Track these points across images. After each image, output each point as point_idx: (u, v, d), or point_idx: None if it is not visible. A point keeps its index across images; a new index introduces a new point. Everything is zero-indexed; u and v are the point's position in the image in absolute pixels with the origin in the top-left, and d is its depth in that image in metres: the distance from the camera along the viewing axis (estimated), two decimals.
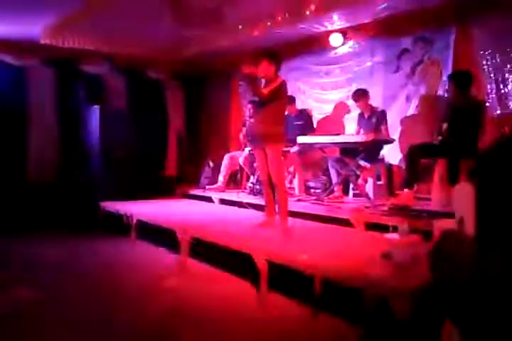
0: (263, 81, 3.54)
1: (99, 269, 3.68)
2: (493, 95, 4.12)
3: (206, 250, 3.75)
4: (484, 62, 4.17)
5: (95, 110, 6.22)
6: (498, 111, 4.06)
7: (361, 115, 4.84)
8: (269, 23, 4.84)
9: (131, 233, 4.84)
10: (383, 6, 4.41)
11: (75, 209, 5.69)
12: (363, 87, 4.97)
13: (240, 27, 5.13)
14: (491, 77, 4.13)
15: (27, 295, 2.99)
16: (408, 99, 4.88)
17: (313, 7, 4.50)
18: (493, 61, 4.11)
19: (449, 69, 4.42)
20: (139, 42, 5.89)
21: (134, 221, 4.81)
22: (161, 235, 4.32)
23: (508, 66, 4.01)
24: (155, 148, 6.98)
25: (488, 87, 4.15)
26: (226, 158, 5.97)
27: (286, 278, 2.92)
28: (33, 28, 5.25)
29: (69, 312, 2.72)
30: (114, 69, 6.76)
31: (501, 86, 4.07)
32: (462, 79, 3.91)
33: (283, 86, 3.62)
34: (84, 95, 6.53)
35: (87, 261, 3.93)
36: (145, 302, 2.89)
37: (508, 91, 4.03)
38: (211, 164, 6.44)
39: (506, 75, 4.03)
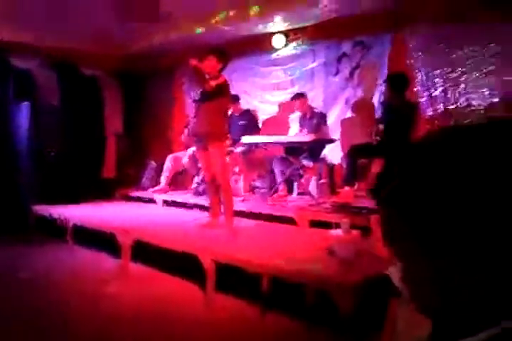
0: (207, 76, 3.50)
1: (34, 276, 3.44)
2: (425, 98, 4.38)
3: (150, 253, 3.63)
4: (416, 68, 4.42)
5: (25, 107, 5.82)
6: (430, 113, 4.31)
7: (303, 116, 4.96)
8: (213, 21, 4.80)
9: (68, 238, 4.58)
10: (325, 9, 4.53)
11: (5, 213, 5.28)
12: (305, 88, 5.09)
13: (184, 22, 5.06)
14: (422, 81, 4.39)
15: None
16: (347, 101, 5.05)
17: (256, 7, 4.55)
18: (424, 67, 4.37)
19: (385, 74, 4.64)
20: (74, 35, 5.60)
21: (70, 225, 4.56)
22: (100, 239, 4.13)
23: (438, 71, 4.28)
24: (91, 148, 6.65)
25: (420, 90, 4.41)
26: (169, 158, 5.84)
27: (232, 278, 2.90)
28: None
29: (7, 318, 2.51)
30: (45, 64, 6.37)
31: (432, 89, 4.34)
32: (398, 82, 4.12)
33: (227, 84, 3.62)
34: (12, 91, 6.09)
35: (20, 268, 3.66)
36: (84, 309, 2.75)
37: (438, 94, 4.31)
38: (153, 164, 6.27)
39: (436, 80, 4.31)
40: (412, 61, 4.42)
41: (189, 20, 4.99)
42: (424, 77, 4.36)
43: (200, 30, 4.97)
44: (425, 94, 4.37)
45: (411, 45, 4.42)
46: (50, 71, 6.42)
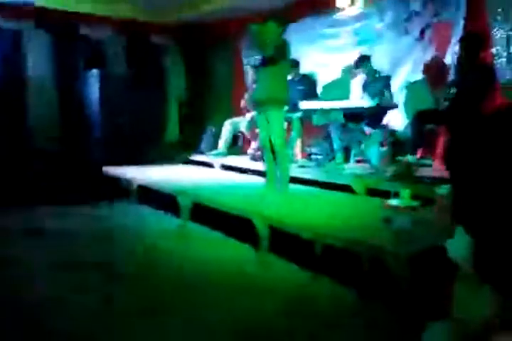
0: (267, 41, 3.43)
1: (99, 232, 3.71)
2: (504, 59, 3.98)
3: (207, 214, 3.76)
4: (495, 25, 4.00)
5: (95, 74, 6.07)
6: (508, 76, 3.93)
7: (366, 80, 4.72)
8: None
9: (132, 197, 4.85)
10: None
11: (77, 174, 5.68)
12: (370, 50, 4.81)
13: None
14: (502, 40, 3.97)
15: None
16: (415, 63, 4.73)
17: None
18: (505, 23, 3.94)
19: (460, 32, 4.25)
20: (138, 4, 5.67)
21: (135, 186, 4.82)
22: (162, 200, 4.33)
23: None
24: (156, 113, 6.88)
25: (500, 50, 4.00)
26: (227, 123, 5.89)
27: (286, 243, 2.94)
28: None
29: (68, 272, 2.76)
30: (113, 33, 6.55)
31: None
32: (473, 42, 3.77)
33: (287, 47, 3.52)
34: (83, 59, 6.36)
35: (87, 226, 3.96)
36: (144, 264, 2.93)
37: None
38: (213, 130, 6.38)
39: None
40: (491, 18, 3.99)
41: None
42: (505, 36, 3.94)
43: None
44: (504, 54, 3.96)
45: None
46: (118, 40, 6.61)
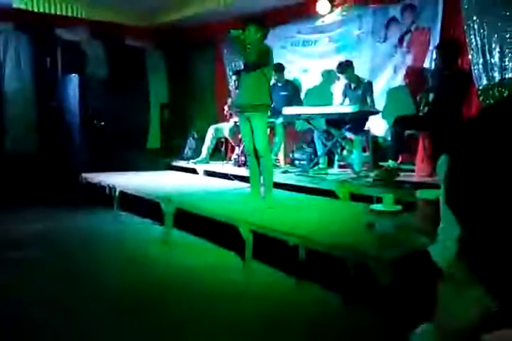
0: (248, 46, 3.44)
1: (81, 241, 3.65)
2: (480, 66, 4.08)
3: (191, 221, 3.74)
4: (471, 32, 4.11)
5: (74, 78, 6.00)
6: (484, 82, 4.03)
7: (347, 86, 4.79)
8: None
9: (114, 205, 4.78)
10: None
11: (55, 180, 5.58)
12: (350, 56, 4.88)
13: None
14: (477, 46, 4.08)
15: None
16: (395, 69, 4.82)
17: None
18: (480, 31, 4.05)
19: (437, 38, 4.36)
20: (117, 7, 5.65)
21: (117, 192, 4.75)
22: (145, 207, 4.29)
23: (496, 36, 3.95)
24: (137, 119, 6.80)
25: (475, 56, 4.10)
26: (211, 129, 5.88)
27: (270, 249, 2.94)
28: None
29: (46, 281, 2.71)
30: (93, 36, 6.50)
31: (488, 56, 4.03)
32: (450, 49, 3.86)
33: (270, 52, 3.54)
34: (62, 63, 6.28)
35: (68, 234, 3.89)
36: (128, 272, 2.89)
37: (494, 61, 4.00)
38: (195, 135, 6.35)
39: (493, 45, 3.99)
40: (467, 25, 4.10)
41: None
42: (480, 43, 4.05)
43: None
44: (480, 61, 4.07)
45: (466, 6, 4.09)
46: (98, 43, 6.55)
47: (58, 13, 5.63)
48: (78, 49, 6.45)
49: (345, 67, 4.63)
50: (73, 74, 6.00)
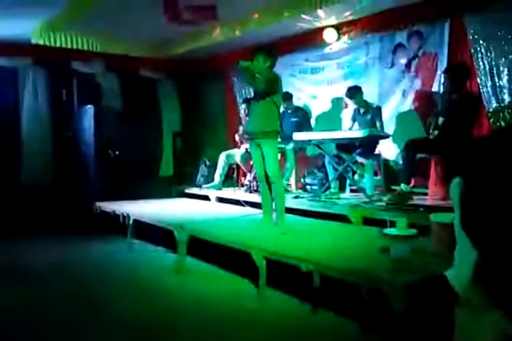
0: (257, 76, 3.51)
1: (95, 270, 3.65)
2: (488, 88, 4.11)
3: (204, 248, 3.72)
4: (479, 55, 4.16)
5: (89, 110, 6.18)
6: (494, 104, 4.04)
7: (356, 111, 4.84)
8: (260, 20, 4.82)
9: (128, 233, 4.80)
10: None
11: (70, 210, 5.65)
12: (358, 82, 4.96)
13: (232, 24, 5.12)
14: (485, 70, 4.12)
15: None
16: (404, 94, 4.87)
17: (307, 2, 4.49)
18: (488, 54, 4.10)
19: (445, 63, 4.41)
20: (131, 40, 5.87)
21: (131, 221, 4.78)
22: (159, 234, 4.30)
23: (503, 59, 4.00)
24: (150, 147, 6.93)
25: (483, 80, 4.14)
26: (222, 156, 5.94)
27: (284, 275, 2.90)
28: (24, 28, 5.21)
29: (62, 310, 2.70)
30: (108, 69, 6.73)
31: (496, 79, 4.06)
32: (458, 73, 3.90)
33: (279, 81, 3.61)
34: (77, 95, 6.49)
35: (82, 263, 3.90)
36: (141, 301, 2.87)
37: (503, 84, 4.02)
38: (207, 162, 6.42)
39: (501, 68, 4.02)
40: (474, 49, 4.16)
41: (236, 21, 5.05)
42: (488, 66, 4.09)
43: (244, 30, 5.01)
44: (489, 84, 4.10)
45: (472, 31, 4.16)
46: (112, 76, 6.78)
47: (74, 47, 5.87)
48: (93, 81, 6.67)
49: (354, 92, 4.69)
50: (88, 106, 6.19)
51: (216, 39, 5.52)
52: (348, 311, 2.47)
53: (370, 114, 4.63)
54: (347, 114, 5.31)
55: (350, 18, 5.09)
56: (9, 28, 5.26)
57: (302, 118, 5.41)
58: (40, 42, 5.58)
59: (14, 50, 5.94)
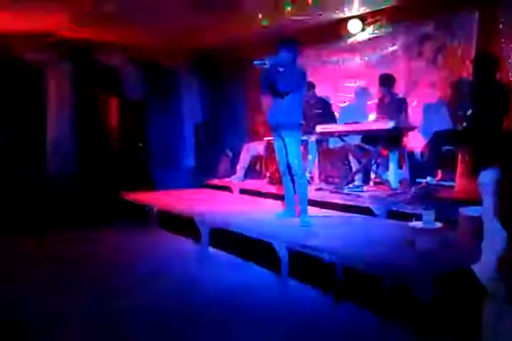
0: (281, 69, 3.48)
1: (118, 260, 3.72)
2: None
3: (226, 239, 3.76)
4: (509, 46, 4.02)
5: (112, 101, 6.28)
6: None
7: (381, 101, 4.75)
8: (286, 10, 4.77)
9: (153, 223, 4.89)
10: None
11: (96, 200, 5.76)
12: (384, 73, 4.87)
13: (255, 15, 5.09)
14: None
15: None
16: (431, 85, 4.76)
17: None
18: None
19: (472, 54, 4.29)
20: (154, 32, 5.89)
21: (155, 211, 4.87)
22: (182, 224, 4.36)
23: None
24: (173, 138, 7.01)
25: None
26: (245, 147, 5.96)
27: (307, 266, 2.91)
28: (50, 20, 5.30)
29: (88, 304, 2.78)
30: (129, 60, 6.79)
31: None
32: (487, 62, 3.79)
33: (303, 75, 3.58)
34: (100, 87, 6.58)
35: (106, 251, 3.99)
36: (164, 291, 2.92)
37: None
38: (230, 154, 6.45)
39: None
40: (504, 39, 4.03)
41: (264, 12, 5.01)
42: None
43: (268, 21, 4.97)
44: None
45: (502, 21, 4.02)
46: (134, 67, 6.85)
47: (97, 39, 5.95)
48: (116, 73, 6.75)
49: (387, 80, 4.57)
50: (112, 97, 6.29)
51: (239, 30, 5.50)
52: (370, 304, 2.46)
53: (394, 104, 4.56)
54: (370, 106, 5.23)
55: (376, 8, 4.98)
56: (34, 22, 5.35)
57: (325, 110, 5.36)
58: (65, 35, 5.69)
59: (39, 43, 6.05)
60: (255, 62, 3.44)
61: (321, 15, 5.10)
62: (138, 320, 2.45)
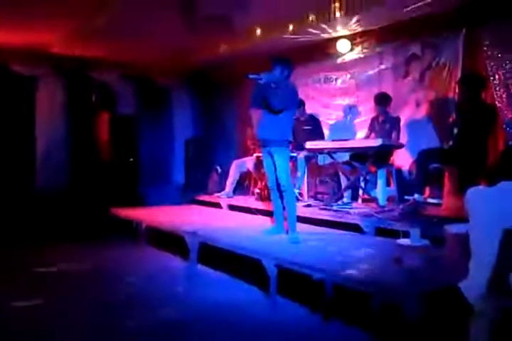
0: (273, 86, 3.52)
1: (107, 276, 3.67)
2: (503, 100, 4.08)
3: (215, 255, 3.73)
4: (494, 67, 4.14)
5: (104, 117, 6.28)
6: (510, 115, 4.01)
7: (375, 119, 4.80)
8: (276, 32, 4.87)
9: (141, 239, 4.83)
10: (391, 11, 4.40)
11: (84, 216, 5.69)
12: (371, 92, 4.96)
13: (247, 34, 5.19)
14: (500, 81, 4.10)
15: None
16: (418, 104, 4.86)
17: (320, 13, 4.54)
18: (503, 65, 4.08)
19: (458, 74, 4.41)
20: (147, 49, 5.96)
21: (144, 227, 4.82)
22: (171, 241, 4.31)
23: None
24: (163, 153, 7.01)
25: (498, 91, 4.11)
26: (234, 163, 5.97)
27: (295, 284, 2.89)
28: (44, 36, 5.34)
29: (70, 319, 2.72)
30: (123, 76, 6.84)
31: (511, 90, 4.04)
32: (472, 84, 3.88)
33: (295, 93, 3.63)
34: (93, 102, 6.60)
35: (94, 267, 3.92)
36: (150, 308, 2.87)
37: None
38: (219, 170, 6.45)
39: None
40: (489, 61, 4.15)
41: (250, 31, 5.11)
42: (503, 77, 4.07)
43: (258, 40, 5.07)
44: (504, 95, 4.07)
45: (487, 42, 4.15)
46: (127, 83, 6.89)
47: (91, 55, 6.00)
48: (109, 89, 6.78)
49: (384, 98, 4.63)
50: (104, 113, 6.30)
51: (231, 48, 5.59)
52: (359, 322, 2.44)
53: (388, 123, 4.62)
54: (359, 123, 5.30)
55: (364, 28, 5.11)
56: (29, 37, 5.39)
57: (314, 127, 5.42)
58: (58, 51, 5.72)
59: (33, 58, 6.07)
60: (250, 76, 3.48)
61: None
62: (124, 337, 2.39)
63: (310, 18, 4.60)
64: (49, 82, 6.41)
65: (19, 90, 6.18)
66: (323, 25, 4.91)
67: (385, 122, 4.65)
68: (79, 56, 6.00)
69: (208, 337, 2.43)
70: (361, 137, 5.01)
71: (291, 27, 4.89)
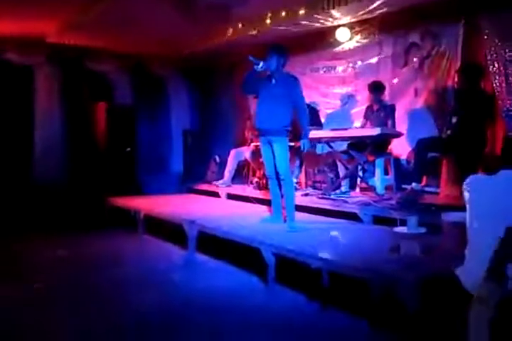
0: (273, 82, 3.52)
1: (105, 264, 3.68)
2: (503, 89, 4.07)
3: (213, 244, 3.75)
4: (493, 56, 4.12)
5: (101, 107, 6.24)
6: (508, 104, 4.00)
7: (369, 108, 4.79)
8: (274, 19, 4.82)
9: (139, 228, 4.85)
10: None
11: (83, 205, 5.70)
12: (369, 81, 4.93)
13: (246, 23, 5.13)
14: (500, 70, 4.08)
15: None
16: (416, 93, 4.84)
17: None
18: (502, 54, 4.06)
19: (458, 63, 4.38)
20: (144, 40, 5.90)
21: (142, 216, 4.83)
22: (169, 230, 4.33)
23: None
24: (161, 144, 6.99)
25: (497, 80, 4.10)
26: (232, 152, 5.96)
27: (293, 272, 2.92)
28: (39, 25, 5.27)
29: (75, 306, 2.74)
30: (119, 66, 6.78)
31: (510, 79, 4.02)
32: (472, 73, 3.87)
33: (295, 82, 3.63)
34: (89, 92, 6.55)
35: (92, 257, 3.94)
36: (150, 296, 2.89)
37: None
38: (217, 159, 6.45)
39: None
40: (489, 49, 4.12)
41: (254, 20, 5.06)
42: (502, 66, 4.05)
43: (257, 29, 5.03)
44: (503, 84, 4.06)
45: (487, 31, 4.12)
46: (124, 73, 6.83)
47: (87, 45, 5.93)
48: (105, 79, 6.72)
49: (378, 87, 4.60)
50: (101, 103, 6.26)
51: (228, 37, 5.53)
52: (357, 309, 2.47)
53: (383, 111, 4.61)
54: (357, 113, 5.29)
55: (363, 17, 5.05)
56: (24, 25, 5.32)
57: (312, 116, 5.39)
58: (54, 40, 5.66)
59: (28, 46, 6.00)
60: (250, 58, 3.47)
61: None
62: (124, 327, 2.42)
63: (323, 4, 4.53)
64: (45, 72, 6.35)
65: (16, 79, 6.12)
66: (321, 15, 4.86)
67: (380, 110, 4.64)
68: (75, 46, 5.92)
69: (207, 324, 2.45)
70: (359, 126, 5.00)
71: (288, 16, 4.83)
